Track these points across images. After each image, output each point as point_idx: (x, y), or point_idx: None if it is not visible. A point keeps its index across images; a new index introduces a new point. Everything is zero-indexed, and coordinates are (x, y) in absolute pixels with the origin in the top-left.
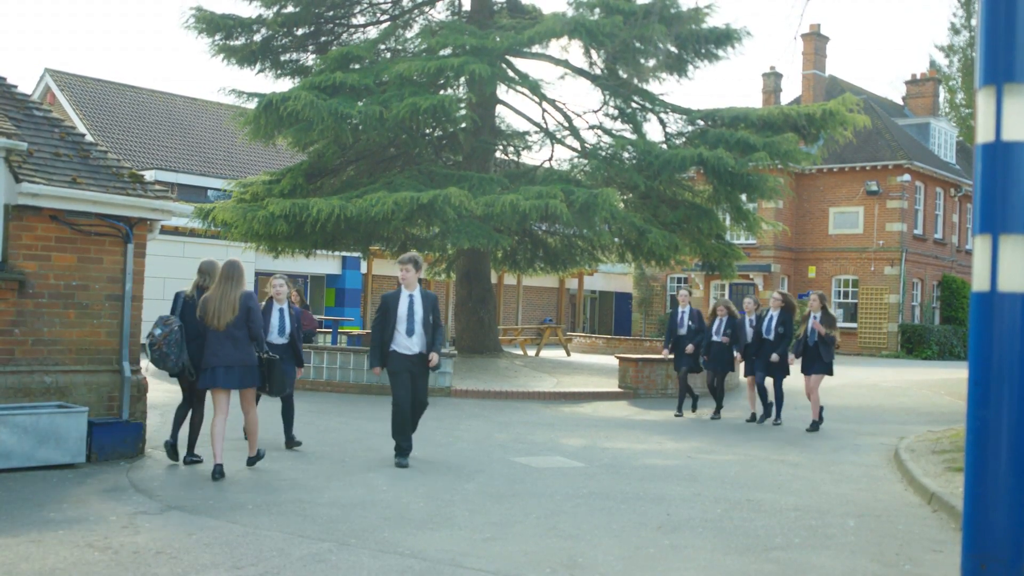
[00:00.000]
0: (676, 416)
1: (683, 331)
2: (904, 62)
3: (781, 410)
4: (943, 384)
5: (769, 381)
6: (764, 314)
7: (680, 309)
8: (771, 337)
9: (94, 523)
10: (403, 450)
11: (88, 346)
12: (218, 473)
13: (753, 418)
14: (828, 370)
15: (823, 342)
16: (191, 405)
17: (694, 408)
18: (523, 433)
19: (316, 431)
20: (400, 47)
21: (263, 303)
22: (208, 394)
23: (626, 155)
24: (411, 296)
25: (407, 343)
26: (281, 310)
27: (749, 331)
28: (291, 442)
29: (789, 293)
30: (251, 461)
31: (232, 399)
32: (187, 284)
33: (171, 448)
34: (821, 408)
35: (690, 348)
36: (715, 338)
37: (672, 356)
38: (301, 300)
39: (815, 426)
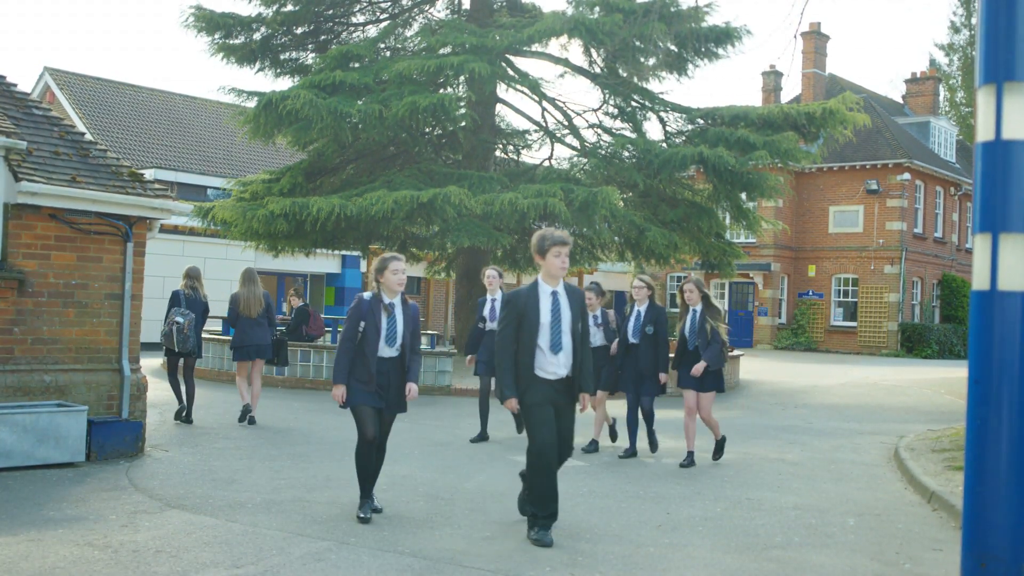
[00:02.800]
0: (472, 442)
1: (494, 325)
2: (904, 61)
3: (656, 436)
4: (943, 383)
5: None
6: (628, 311)
7: (489, 297)
8: (639, 342)
9: (94, 522)
10: (546, 519)
11: (88, 345)
12: (245, 413)
13: (594, 447)
14: (719, 384)
15: (715, 342)
16: (178, 376)
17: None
18: (523, 432)
19: (315, 431)
20: (400, 46)
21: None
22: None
23: (626, 154)
24: (555, 294)
25: (551, 363)
26: (391, 305)
27: (593, 330)
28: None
29: (649, 278)
30: (247, 414)
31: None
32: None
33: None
34: (722, 440)
35: None
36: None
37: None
38: (302, 300)
39: (715, 452)
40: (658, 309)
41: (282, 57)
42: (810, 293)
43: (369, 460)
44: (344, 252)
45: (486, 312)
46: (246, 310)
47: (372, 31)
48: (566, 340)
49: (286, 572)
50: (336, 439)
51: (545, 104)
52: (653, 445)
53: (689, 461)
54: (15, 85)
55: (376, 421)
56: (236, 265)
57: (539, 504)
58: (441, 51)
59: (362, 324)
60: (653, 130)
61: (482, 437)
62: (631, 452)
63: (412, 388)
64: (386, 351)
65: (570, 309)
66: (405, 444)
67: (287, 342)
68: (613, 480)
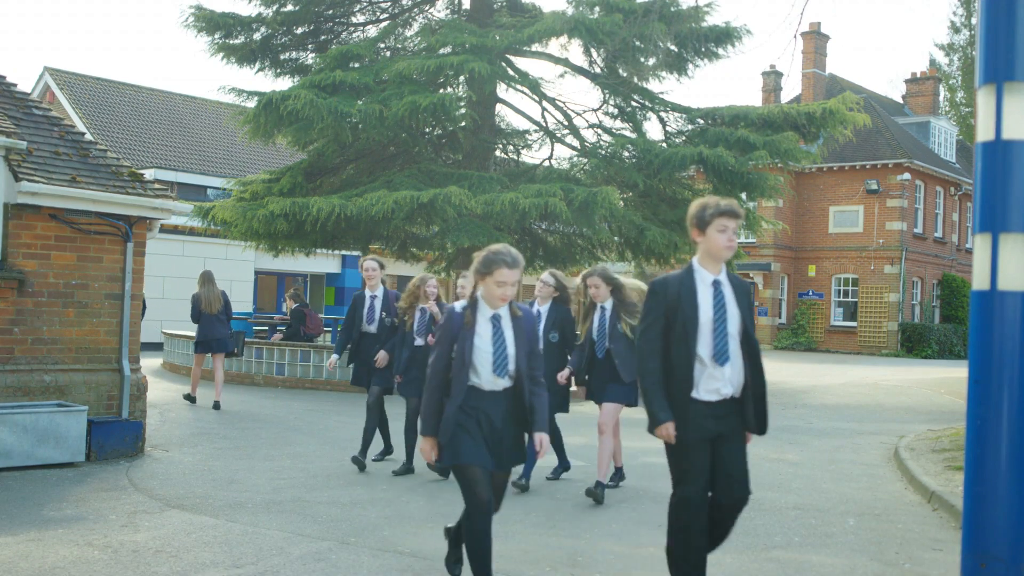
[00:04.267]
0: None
1: (372, 328)
2: (904, 60)
3: (565, 459)
4: (943, 383)
5: None
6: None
7: (368, 294)
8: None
9: (94, 522)
10: None
11: (88, 345)
12: (217, 406)
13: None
14: (630, 397)
15: (624, 350)
16: None
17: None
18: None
19: (315, 431)
20: (400, 46)
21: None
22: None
23: (626, 154)
24: (717, 284)
25: (714, 379)
26: (495, 317)
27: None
28: None
29: (560, 274)
30: (216, 405)
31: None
32: (187, 282)
33: None
34: (618, 471)
35: (381, 358)
36: (418, 341)
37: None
38: (301, 299)
39: (600, 490)
40: (563, 311)
41: (282, 57)
42: (810, 293)
43: (487, 536)
44: (344, 252)
45: (365, 312)
46: (207, 307)
47: (372, 31)
48: (733, 347)
49: (286, 572)
50: (336, 439)
51: (545, 104)
52: (561, 466)
53: (596, 490)
54: (15, 85)
55: (490, 482)
56: (236, 265)
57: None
58: (441, 51)
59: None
60: (653, 130)
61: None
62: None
63: (542, 441)
64: (494, 382)
65: (737, 306)
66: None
67: (243, 336)
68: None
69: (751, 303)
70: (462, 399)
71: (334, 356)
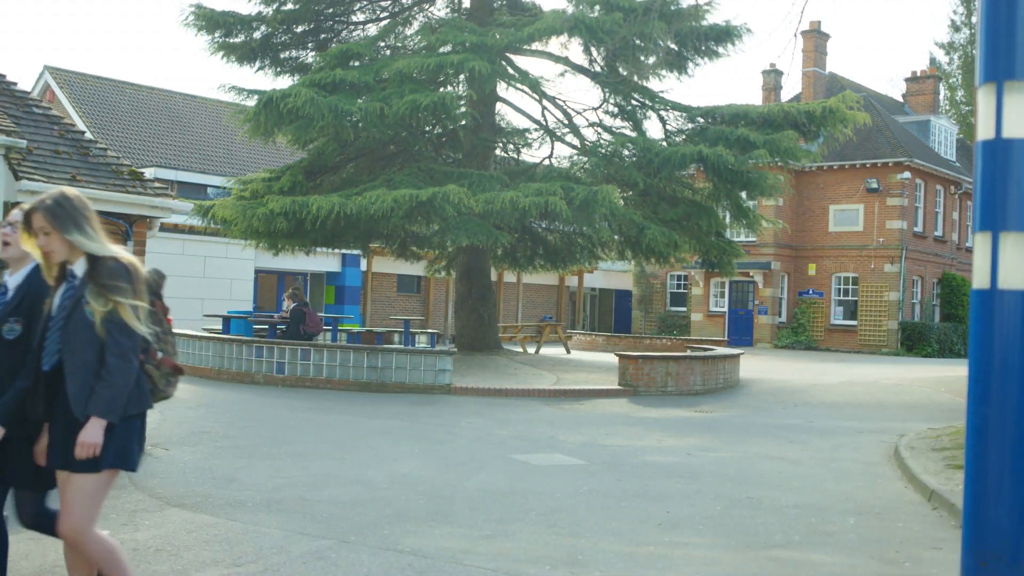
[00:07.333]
0: None
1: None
2: (904, 59)
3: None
4: (943, 381)
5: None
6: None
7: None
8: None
9: None
10: None
11: None
12: None
13: None
14: (121, 455)
15: (88, 357)
16: None
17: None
18: (523, 430)
19: (315, 429)
20: (400, 44)
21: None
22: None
23: (626, 152)
24: None
25: None
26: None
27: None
28: None
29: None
30: None
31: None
32: (188, 281)
33: None
34: None
35: None
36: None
37: None
38: (301, 298)
39: None
40: (39, 284)
41: (282, 56)
42: (810, 292)
43: None
44: (344, 251)
45: None
46: None
47: (372, 29)
48: None
49: (286, 570)
50: (336, 438)
51: (545, 103)
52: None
53: None
54: (15, 84)
55: None
56: (236, 264)
57: None
58: (441, 49)
59: None
60: (653, 129)
61: None
62: None
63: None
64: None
65: None
66: (405, 443)
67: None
68: (614, 478)
69: None
70: None
71: None
